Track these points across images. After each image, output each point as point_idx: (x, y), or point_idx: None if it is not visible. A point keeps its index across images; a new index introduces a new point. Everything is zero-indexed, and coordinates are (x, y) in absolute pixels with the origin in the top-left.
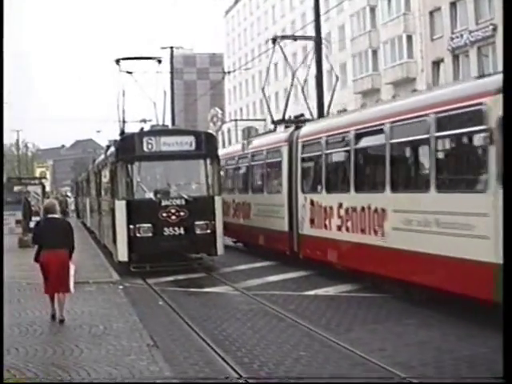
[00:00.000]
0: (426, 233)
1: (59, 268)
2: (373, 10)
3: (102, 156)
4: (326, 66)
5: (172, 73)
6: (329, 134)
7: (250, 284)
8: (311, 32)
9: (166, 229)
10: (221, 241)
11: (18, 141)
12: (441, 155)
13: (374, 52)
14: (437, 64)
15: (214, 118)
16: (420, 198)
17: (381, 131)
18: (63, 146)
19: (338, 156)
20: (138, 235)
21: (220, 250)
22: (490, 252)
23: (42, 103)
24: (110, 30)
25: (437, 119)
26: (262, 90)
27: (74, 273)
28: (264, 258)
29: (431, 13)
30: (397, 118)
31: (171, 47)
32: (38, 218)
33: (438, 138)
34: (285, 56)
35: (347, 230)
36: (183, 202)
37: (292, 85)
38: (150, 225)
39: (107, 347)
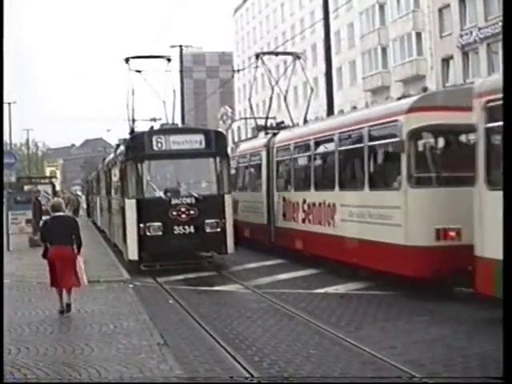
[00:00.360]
0: (362, 223)
1: (66, 264)
2: (382, 7)
3: (112, 155)
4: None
5: (181, 71)
6: (296, 141)
7: (260, 282)
8: (320, 30)
9: (176, 227)
10: (231, 239)
11: (28, 140)
12: (371, 160)
13: (384, 49)
14: (446, 61)
15: (224, 116)
16: (358, 195)
17: (332, 140)
18: (73, 145)
19: (302, 160)
20: (148, 234)
21: (230, 248)
22: (402, 236)
23: (52, 102)
24: (119, 29)
25: (369, 131)
26: (249, 99)
27: (84, 265)
28: (274, 256)
29: (440, 10)
30: (343, 130)
31: (180, 46)
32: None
33: (369, 146)
34: (269, 70)
35: (309, 222)
36: (193, 201)
37: (271, 97)
38: (160, 223)
39: (117, 346)
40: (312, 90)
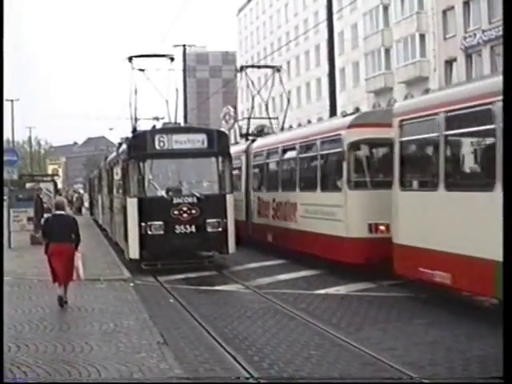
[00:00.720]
0: (315, 219)
1: (65, 260)
2: (386, 8)
3: (114, 153)
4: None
5: (184, 71)
6: (268, 148)
7: (261, 282)
8: (324, 31)
9: (177, 226)
10: (232, 239)
11: (30, 138)
12: (322, 166)
13: (387, 51)
14: (449, 63)
15: (227, 115)
16: (312, 195)
17: (294, 148)
18: (75, 143)
19: (272, 164)
20: (149, 233)
21: (231, 248)
22: (343, 230)
23: (55, 100)
24: (123, 28)
25: (321, 142)
26: (235, 107)
27: (81, 261)
28: (275, 256)
29: (444, 12)
30: (302, 140)
31: (184, 45)
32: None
33: (321, 155)
34: (252, 82)
35: (278, 218)
36: (195, 200)
37: (253, 107)
38: (161, 222)
39: (117, 344)
40: (289, 100)
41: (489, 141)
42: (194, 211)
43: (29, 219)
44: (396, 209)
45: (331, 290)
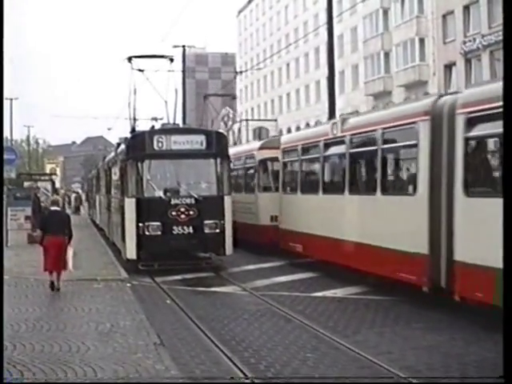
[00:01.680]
0: (246, 213)
1: (57, 250)
2: (386, 12)
3: (113, 153)
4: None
5: (184, 72)
6: (233, 156)
7: (258, 284)
8: (323, 33)
9: (175, 227)
10: (230, 240)
11: (28, 136)
12: (246, 175)
13: (387, 54)
14: (449, 67)
15: (225, 117)
16: (244, 196)
17: (238, 159)
18: (74, 142)
19: (234, 170)
20: (147, 233)
21: (229, 249)
22: (257, 219)
23: (53, 100)
24: (123, 28)
25: (245, 157)
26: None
27: (73, 254)
28: (273, 258)
29: (444, 16)
30: (240, 154)
31: (183, 46)
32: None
33: (245, 167)
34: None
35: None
36: (193, 201)
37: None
38: (159, 223)
39: (114, 345)
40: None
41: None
42: (191, 212)
43: (26, 218)
44: (280, 206)
45: (328, 293)
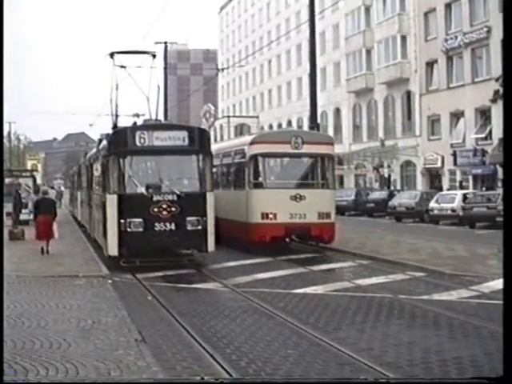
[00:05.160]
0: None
1: (46, 225)
2: (368, 9)
3: (94, 149)
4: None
5: (166, 68)
6: (221, 151)
7: (240, 281)
8: (305, 30)
9: (157, 224)
10: (212, 237)
11: (10, 133)
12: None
13: (368, 51)
14: (430, 65)
15: (207, 114)
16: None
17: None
18: (55, 139)
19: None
20: (128, 230)
21: (211, 246)
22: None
23: (34, 96)
24: (104, 25)
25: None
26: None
27: (57, 227)
28: (254, 255)
29: (426, 14)
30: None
31: (165, 42)
32: (27, 211)
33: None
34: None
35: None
36: (175, 198)
37: None
38: (141, 220)
39: (95, 341)
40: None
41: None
42: (173, 209)
43: (7, 214)
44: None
45: (309, 290)
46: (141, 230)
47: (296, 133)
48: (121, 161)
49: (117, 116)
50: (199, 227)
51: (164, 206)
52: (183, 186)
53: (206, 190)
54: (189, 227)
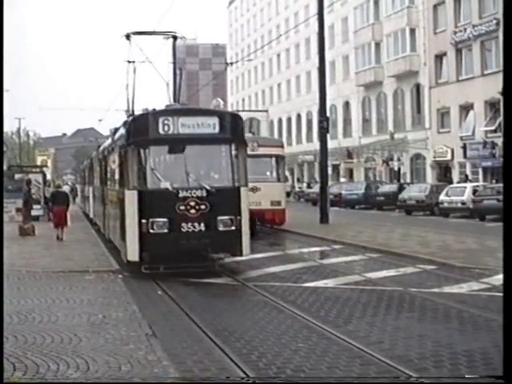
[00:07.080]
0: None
1: (61, 214)
2: (376, 2)
3: (109, 140)
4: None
5: (174, 63)
6: None
7: (250, 275)
8: (314, 24)
9: (184, 224)
10: (247, 239)
11: (19, 129)
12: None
13: (377, 44)
14: (439, 57)
15: (216, 108)
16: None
17: None
18: (65, 134)
19: None
20: (151, 231)
21: (246, 249)
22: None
23: (44, 92)
24: (113, 21)
25: None
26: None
27: (70, 216)
28: (265, 249)
29: (435, 6)
30: None
31: (174, 37)
32: (38, 206)
33: None
34: None
35: None
36: (204, 194)
37: None
38: (165, 219)
39: (106, 336)
40: None
41: None
42: (203, 206)
43: (17, 210)
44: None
45: (320, 283)
46: (165, 231)
47: (253, 138)
48: (141, 151)
49: (133, 102)
50: (232, 228)
51: (192, 203)
52: (214, 180)
53: (240, 184)
54: (220, 228)
